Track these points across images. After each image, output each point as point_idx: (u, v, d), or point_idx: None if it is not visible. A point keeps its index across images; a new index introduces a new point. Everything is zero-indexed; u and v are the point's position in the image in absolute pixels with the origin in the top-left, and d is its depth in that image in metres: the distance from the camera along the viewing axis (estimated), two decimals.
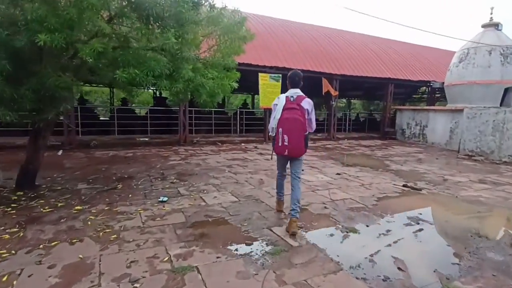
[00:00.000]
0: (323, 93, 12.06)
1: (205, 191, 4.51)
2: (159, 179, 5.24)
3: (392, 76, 13.31)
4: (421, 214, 3.78)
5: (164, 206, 3.80)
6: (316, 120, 16.23)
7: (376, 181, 5.43)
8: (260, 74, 10.58)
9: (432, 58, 16.81)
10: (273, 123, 3.20)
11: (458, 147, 9.59)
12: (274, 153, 3.32)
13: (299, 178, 3.31)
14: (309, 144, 3.48)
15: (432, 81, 14.36)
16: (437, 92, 16.04)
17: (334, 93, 12.26)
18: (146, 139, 9.69)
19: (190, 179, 5.29)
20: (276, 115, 3.14)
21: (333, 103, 12.42)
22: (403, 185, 5.11)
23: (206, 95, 4.76)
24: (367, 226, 3.38)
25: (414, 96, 25.65)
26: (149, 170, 5.97)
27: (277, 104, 3.21)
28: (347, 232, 3.17)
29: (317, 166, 6.82)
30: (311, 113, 3.23)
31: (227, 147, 9.65)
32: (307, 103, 3.17)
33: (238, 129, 12.46)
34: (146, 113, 14.98)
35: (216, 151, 8.65)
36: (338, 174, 5.94)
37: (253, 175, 5.74)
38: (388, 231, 3.24)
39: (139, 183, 4.94)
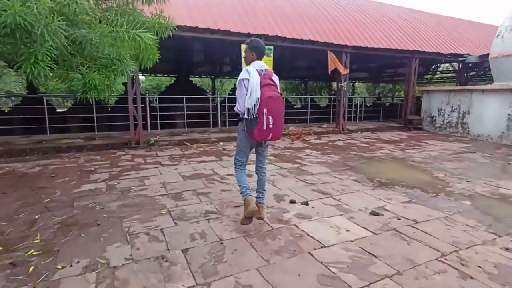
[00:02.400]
0: (329, 71, 9.14)
1: None
2: None
3: (418, 49, 10.32)
4: None
5: None
6: (318, 107, 13.17)
7: (463, 240, 2.61)
8: (243, 45, 7.63)
9: (463, 31, 13.71)
10: (248, 102, 2.55)
11: None
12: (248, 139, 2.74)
13: (266, 167, 2.99)
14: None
15: (466, 54, 11.38)
16: (471, 69, 13.04)
17: (343, 71, 9.32)
18: (82, 139, 6.85)
19: (71, 244, 2.48)
20: (253, 92, 2.53)
21: (343, 84, 9.50)
22: None
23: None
24: None
25: (426, 76, 22.59)
26: (22, 210, 3.16)
27: (248, 79, 2.58)
28: None
29: (331, 189, 4.00)
30: (279, 90, 2.77)
31: (198, 149, 6.82)
32: (277, 78, 2.77)
33: (219, 122, 9.58)
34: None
35: (177, 158, 5.83)
36: (374, 214, 3.13)
37: (210, 222, 2.94)
38: None
39: None
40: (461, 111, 9.16)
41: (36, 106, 7.75)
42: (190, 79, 17.65)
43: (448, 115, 9.66)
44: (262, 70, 2.67)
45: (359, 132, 9.90)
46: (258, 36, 7.71)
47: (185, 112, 9.05)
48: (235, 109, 2.74)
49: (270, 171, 4.77)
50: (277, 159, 5.83)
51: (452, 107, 9.46)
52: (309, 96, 15.34)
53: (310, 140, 8.30)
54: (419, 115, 11.05)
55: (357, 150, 6.94)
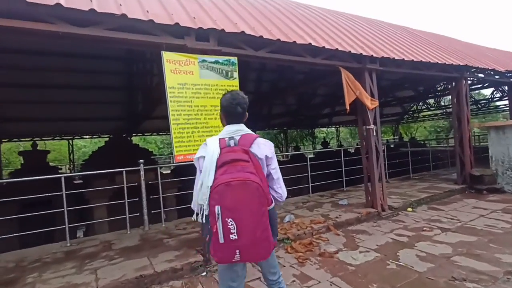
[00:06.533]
0: (347, 105, 4.91)
1: None
2: None
3: (470, 63, 6.55)
4: None
5: None
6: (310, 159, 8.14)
7: None
8: (164, 53, 3.30)
9: (496, 53, 10.50)
10: (198, 196, 1.66)
11: None
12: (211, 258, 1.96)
13: (280, 279, 1.92)
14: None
15: None
16: None
17: (371, 103, 5.16)
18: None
19: None
20: (205, 179, 1.61)
21: (371, 126, 5.24)
22: None
23: None
24: None
25: (416, 114, 19.39)
26: None
27: (203, 157, 1.69)
28: None
29: None
30: (272, 163, 1.77)
31: None
32: (264, 146, 1.74)
33: (67, 233, 4.78)
34: None
35: None
36: None
37: None
38: None
39: None
40: None
41: None
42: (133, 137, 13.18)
43: None
44: (233, 138, 1.70)
45: (411, 209, 5.40)
46: (198, 30, 3.44)
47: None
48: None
49: None
50: None
51: None
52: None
53: (336, 253, 3.64)
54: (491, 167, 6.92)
55: None
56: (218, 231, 1.51)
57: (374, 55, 4.99)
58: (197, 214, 1.69)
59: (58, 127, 11.55)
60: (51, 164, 12.83)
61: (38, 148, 9.73)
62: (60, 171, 10.50)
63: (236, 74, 3.75)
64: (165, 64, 3.27)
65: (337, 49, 4.51)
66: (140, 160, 4.89)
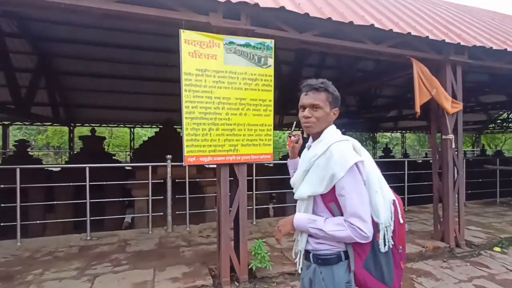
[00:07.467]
0: (417, 109, 3.80)
1: None
2: None
3: None
4: None
5: None
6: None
7: None
8: (182, 32, 2.74)
9: None
10: (384, 214, 1.28)
11: None
12: None
13: None
14: None
15: None
16: None
17: (452, 106, 3.95)
18: None
19: None
20: (384, 191, 1.32)
21: (450, 136, 4.03)
22: None
23: None
24: None
25: (506, 123, 16.00)
26: None
27: (362, 163, 1.30)
28: None
29: None
30: None
31: None
32: None
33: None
34: None
35: None
36: None
37: None
38: None
39: None
40: None
41: None
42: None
43: None
44: None
45: (499, 249, 4.04)
46: (226, 5, 2.79)
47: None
48: (351, 234, 1.21)
49: None
50: None
51: None
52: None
53: None
54: None
55: None
56: (404, 254, 1.37)
57: (462, 43, 3.77)
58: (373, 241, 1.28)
59: (122, 115, 12.30)
60: (109, 150, 13.67)
61: (96, 134, 10.29)
62: (113, 157, 10.99)
63: (271, 61, 3.02)
64: (183, 46, 2.71)
65: (409, 33, 3.45)
66: (168, 156, 4.50)
